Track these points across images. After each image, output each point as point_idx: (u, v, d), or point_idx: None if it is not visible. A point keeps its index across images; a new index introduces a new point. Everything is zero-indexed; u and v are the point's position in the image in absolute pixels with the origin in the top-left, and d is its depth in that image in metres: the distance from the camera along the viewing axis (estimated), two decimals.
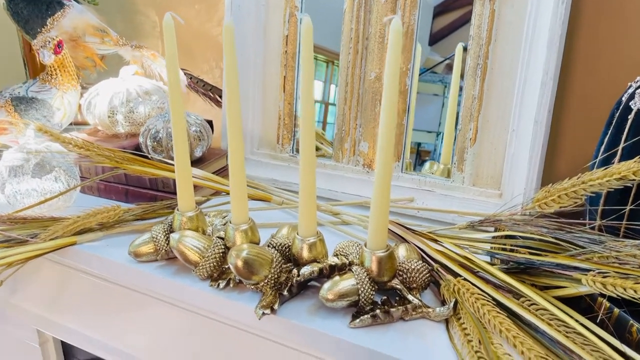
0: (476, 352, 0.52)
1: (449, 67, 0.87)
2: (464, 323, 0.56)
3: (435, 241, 0.65)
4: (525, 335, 0.52)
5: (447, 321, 0.59)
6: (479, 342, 0.53)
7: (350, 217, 0.81)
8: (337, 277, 0.60)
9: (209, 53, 1.17)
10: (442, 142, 0.88)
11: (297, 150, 0.98)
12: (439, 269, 0.62)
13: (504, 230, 0.67)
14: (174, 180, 0.72)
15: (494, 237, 0.67)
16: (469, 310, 0.56)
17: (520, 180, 0.75)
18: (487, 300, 0.55)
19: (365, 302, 0.59)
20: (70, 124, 1.06)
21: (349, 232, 0.78)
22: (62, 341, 1.01)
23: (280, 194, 0.85)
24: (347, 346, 0.57)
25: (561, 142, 0.84)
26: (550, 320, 0.53)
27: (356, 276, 0.59)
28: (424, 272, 0.62)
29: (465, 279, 0.59)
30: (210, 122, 0.99)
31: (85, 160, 0.81)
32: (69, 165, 0.86)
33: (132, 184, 0.89)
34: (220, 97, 1.09)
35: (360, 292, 0.59)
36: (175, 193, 0.71)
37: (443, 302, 0.62)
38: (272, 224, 0.80)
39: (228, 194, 0.82)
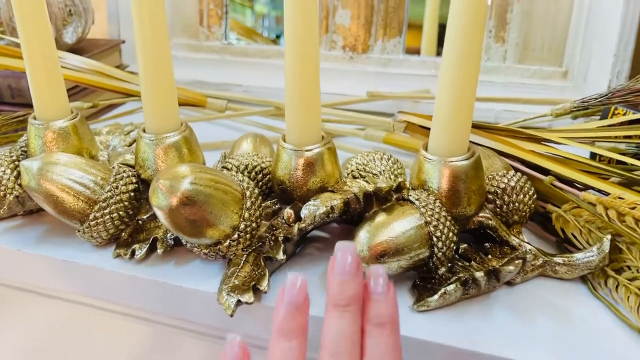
0: None
1: None
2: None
3: (536, 140, 0.36)
4: None
5: (587, 280, 0.31)
6: None
7: (339, 125, 0.50)
8: (382, 215, 0.30)
9: None
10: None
11: (233, 35, 0.64)
12: (555, 183, 0.34)
13: (621, 114, 0.40)
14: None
15: (607, 126, 0.39)
16: None
17: (605, 45, 0.48)
18: None
19: (443, 257, 0.30)
20: None
21: (345, 148, 0.48)
22: None
23: (219, 96, 0.52)
24: (426, 349, 0.28)
25: None
26: None
27: (423, 208, 0.30)
28: (530, 193, 0.33)
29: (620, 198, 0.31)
30: None
31: None
32: None
33: None
34: None
35: (434, 238, 0.29)
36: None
37: (561, 245, 0.34)
38: (213, 144, 0.48)
39: (131, 95, 0.47)
